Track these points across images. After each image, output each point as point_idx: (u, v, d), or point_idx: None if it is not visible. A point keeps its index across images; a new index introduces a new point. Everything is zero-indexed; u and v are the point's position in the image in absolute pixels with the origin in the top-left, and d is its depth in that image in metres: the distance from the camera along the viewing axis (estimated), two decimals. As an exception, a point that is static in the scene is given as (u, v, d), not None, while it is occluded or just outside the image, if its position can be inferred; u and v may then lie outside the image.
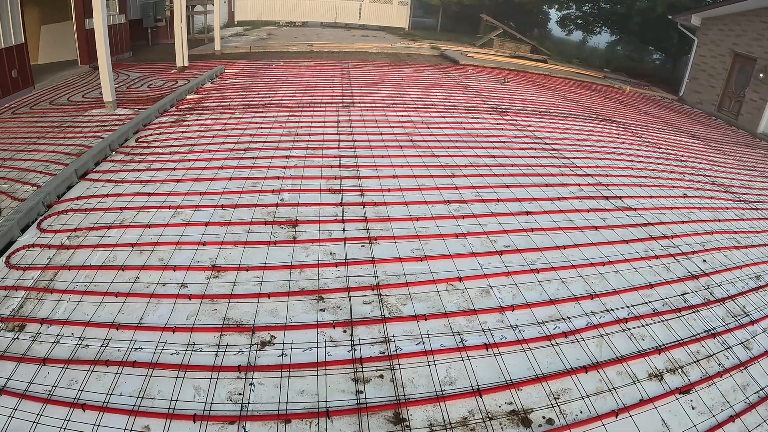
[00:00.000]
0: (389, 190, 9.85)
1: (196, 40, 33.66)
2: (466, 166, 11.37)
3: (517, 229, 9.01)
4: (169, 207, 9.37)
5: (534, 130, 15.01)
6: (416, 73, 24.24)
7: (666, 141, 16.93)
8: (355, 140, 12.45)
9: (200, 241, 8.23)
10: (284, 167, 10.75)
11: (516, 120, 15.87)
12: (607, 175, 12.00)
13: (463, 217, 9.13)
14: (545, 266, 8.05)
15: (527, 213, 9.67)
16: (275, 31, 42.98)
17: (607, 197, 10.70)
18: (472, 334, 6.37)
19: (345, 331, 6.27)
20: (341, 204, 9.16)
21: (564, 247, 8.62)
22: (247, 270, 7.41)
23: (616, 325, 6.58)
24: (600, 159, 13.35)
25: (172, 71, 23.20)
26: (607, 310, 6.94)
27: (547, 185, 10.95)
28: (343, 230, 8.40)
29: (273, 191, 9.67)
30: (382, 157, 11.44)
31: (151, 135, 13.84)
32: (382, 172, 10.66)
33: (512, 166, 11.75)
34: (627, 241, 8.30)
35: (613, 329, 6.52)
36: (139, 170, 11.28)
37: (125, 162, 11.68)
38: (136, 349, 5.26)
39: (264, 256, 7.76)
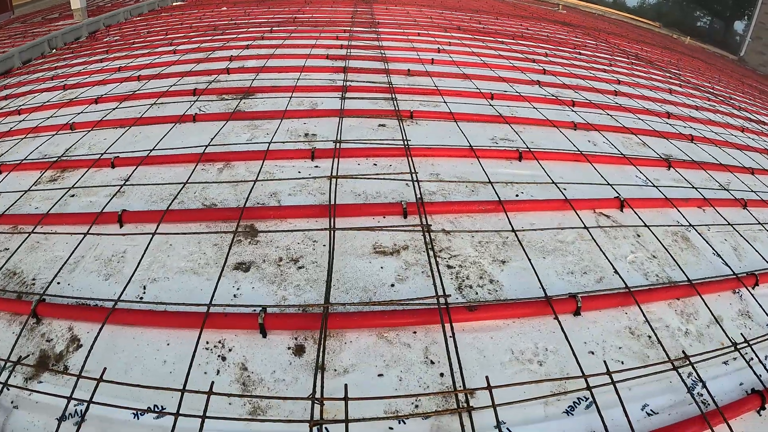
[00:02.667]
0: (433, 61, 4.71)
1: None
2: (548, 56, 6.10)
3: (672, 132, 4.19)
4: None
5: (623, 47, 9.69)
6: None
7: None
8: (378, 23, 7.23)
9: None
10: (261, 38, 5.62)
11: (595, 35, 10.50)
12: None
13: (574, 103, 3.94)
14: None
15: (669, 115, 4.78)
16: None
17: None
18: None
19: None
20: (344, 69, 4.01)
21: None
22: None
23: None
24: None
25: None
26: None
27: (670, 91, 5.98)
28: (343, 98, 3.24)
29: (230, 58, 4.59)
30: (419, 35, 6.25)
31: (108, 32, 9.00)
32: (422, 46, 5.48)
33: (612, 64, 6.54)
34: None
35: None
36: (58, 61, 6.69)
37: (55, 57, 7.43)
38: None
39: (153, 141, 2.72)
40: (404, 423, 1.52)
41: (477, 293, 2.01)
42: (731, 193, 3.38)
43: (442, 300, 1.78)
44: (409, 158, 2.70)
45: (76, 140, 3.50)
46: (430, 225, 2.23)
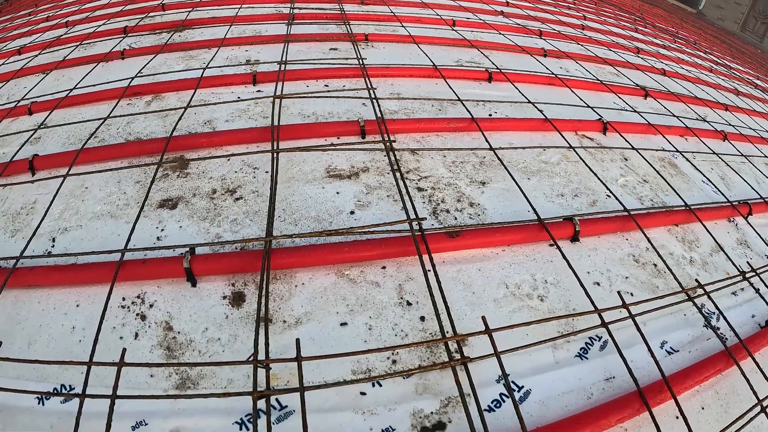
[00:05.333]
0: (389, -8, 4.04)
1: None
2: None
3: (645, 65, 3.77)
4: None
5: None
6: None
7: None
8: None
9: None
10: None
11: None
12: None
13: (541, 33, 3.46)
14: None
15: (638, 51, 4.36)
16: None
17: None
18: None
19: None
20: (292, 2, 3.30)
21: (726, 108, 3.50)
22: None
23: None
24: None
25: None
26: None
27: (637, 30, 5.25)
28: (289, 24, 2.58)
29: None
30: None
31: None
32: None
33: (577, 2, 5.95)
34: None
35: None
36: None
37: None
38: None
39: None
40: (380, 386, 1.05)
41: (456, 218, 1.52)
42: (711, 124, 2.98)
43: (416, 225, 1.29)
44: (366, 78, 2.15)
45: (-8, 92, 2.83)
46: (394, 142, 1.72)
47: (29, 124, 2.38)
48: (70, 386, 1.22)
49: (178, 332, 1.22)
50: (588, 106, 2.55)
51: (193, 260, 1.26)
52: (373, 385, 1.08)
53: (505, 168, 1.77)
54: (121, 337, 1.26)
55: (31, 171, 1.95)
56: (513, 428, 1.10)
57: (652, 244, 1.67)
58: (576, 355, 1.28)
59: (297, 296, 1.24)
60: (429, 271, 1.24)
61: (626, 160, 2.23)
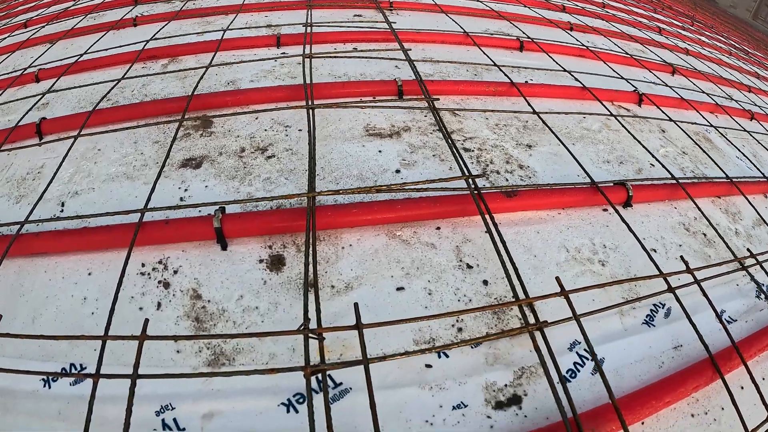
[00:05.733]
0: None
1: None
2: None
3: (668, 43, 3.67)
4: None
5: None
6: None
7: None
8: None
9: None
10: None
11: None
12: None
13: (564, 8, 3.29)
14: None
15: (660, 30, 4.15)
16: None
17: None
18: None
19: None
20: None
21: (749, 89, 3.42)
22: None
23: None
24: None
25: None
26: None
27: (655, 11, 4.99)
28: None
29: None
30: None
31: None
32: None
33: None
34: None
35: None
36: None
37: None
38: None
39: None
40: (446, 356, 0.89)
41: (507, 180, 1.36)
42: (738, 103, 2.84)
43: (471, 183, 1.12)
44: (398, 41, 1.97)
45: (-3, 63, 2.67)
46: (437, 100, 1.55)
47: (36, 90, 2.22)
48: (81, 365, 1.05)
49: (208, 301, 1.05)
50: (622, 78, 2.42)
51: (224, 219, 1.10)
52: (439, 356, 0.91)
53: (552, 132, 1.61)
54: (141, 308, 1.09)
55: (38, 135, 1.78)
56: (590, 400, 0.94)
57: (703, 213, 1.54)
58: (643, 322, 1.14)
59: (345, 259, 1.08)
60: (489, 232, 1.07)
61: (663, 131, 2.11)
